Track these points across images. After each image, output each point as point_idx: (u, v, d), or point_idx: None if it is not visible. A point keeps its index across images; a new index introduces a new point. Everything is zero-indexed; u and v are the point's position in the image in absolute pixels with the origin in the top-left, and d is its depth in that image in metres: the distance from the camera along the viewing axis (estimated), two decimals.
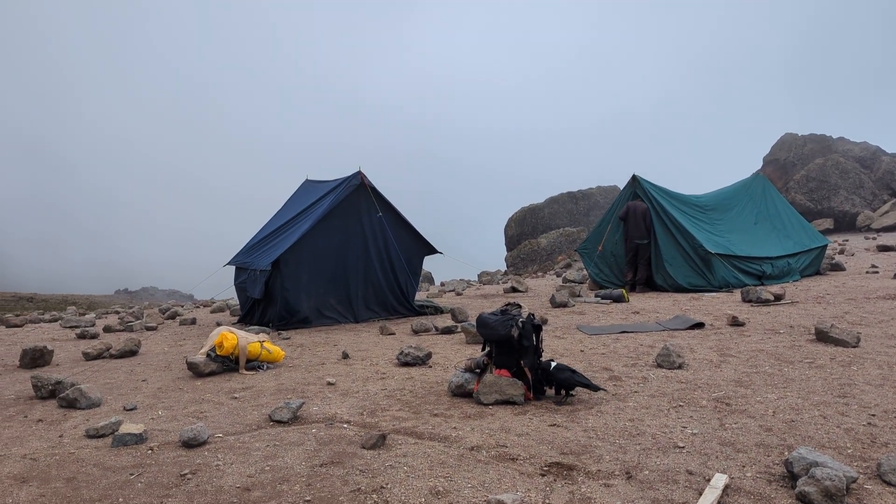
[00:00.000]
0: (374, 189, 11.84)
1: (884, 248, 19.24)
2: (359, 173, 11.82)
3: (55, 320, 15.54)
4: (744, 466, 3.89)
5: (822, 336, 7.44)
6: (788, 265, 14.64)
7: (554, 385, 5.60)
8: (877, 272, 14.28)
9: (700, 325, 9.06)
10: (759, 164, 40.66)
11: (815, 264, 15.58)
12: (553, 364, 5.54)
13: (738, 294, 12.28)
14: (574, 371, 5.54)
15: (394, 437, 4.70)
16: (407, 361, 7.34)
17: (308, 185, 13.23)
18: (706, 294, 12.93)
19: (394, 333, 9.96)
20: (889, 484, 3.57)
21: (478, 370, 5.87)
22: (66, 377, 6.63)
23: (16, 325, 14.04)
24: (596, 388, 5.46)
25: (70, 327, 12.90)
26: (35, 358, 8.12)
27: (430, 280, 27.44)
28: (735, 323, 8.94)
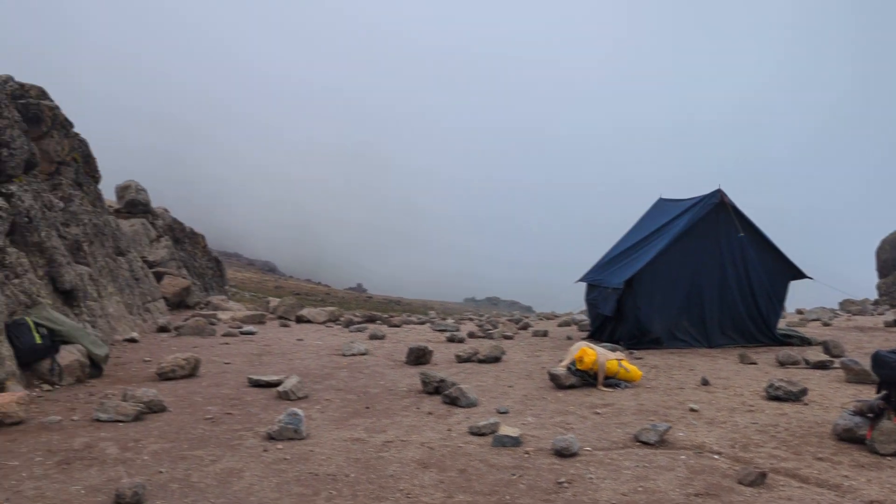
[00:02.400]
0: (734, 207, 11.20)
1: None
2: (718, 191, 11.30)
3: (422, 323, 17.55)
4: None
5: None
6: None
7: None
8: None
9: None
10: None
11: None
12: None
13: None
14: None
15: (774, 477, 4.38)
16: (777, 396, 6.77)
17: (661, 203, 13.01)
18: None
19: (755, 363, 9.27)
20: None
21: (871, 415, 5.19)
22: (447, 376, 7.43)
23: (395, 326, 16.22)
24: None
25: (439, 330, 14.47)
26: (419, 356, 9.28)
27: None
28: None
